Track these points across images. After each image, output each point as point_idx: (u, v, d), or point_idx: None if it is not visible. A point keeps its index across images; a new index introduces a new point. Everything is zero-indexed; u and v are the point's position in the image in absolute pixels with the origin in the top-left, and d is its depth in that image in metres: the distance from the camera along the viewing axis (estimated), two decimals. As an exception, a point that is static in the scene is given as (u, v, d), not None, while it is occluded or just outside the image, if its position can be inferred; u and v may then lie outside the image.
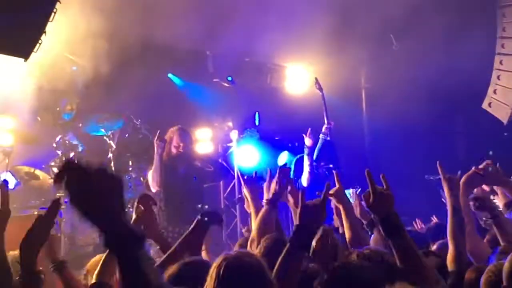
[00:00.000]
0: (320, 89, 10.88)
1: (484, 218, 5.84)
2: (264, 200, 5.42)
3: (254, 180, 6.06)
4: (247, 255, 3.54)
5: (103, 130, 11.60)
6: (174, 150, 9.50)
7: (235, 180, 12.54)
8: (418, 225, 8.72)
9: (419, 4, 11.28)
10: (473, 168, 5.34)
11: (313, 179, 10.03)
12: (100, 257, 4.89)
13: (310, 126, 10.21)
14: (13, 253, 4.09)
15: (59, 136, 11.19)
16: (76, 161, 2.16)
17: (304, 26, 11.52)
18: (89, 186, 2.10)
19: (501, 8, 11.70)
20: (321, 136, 10.39)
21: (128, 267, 2.10)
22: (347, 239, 5.22)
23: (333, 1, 11.28)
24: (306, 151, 10.14)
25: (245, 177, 6.05)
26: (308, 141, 10.15)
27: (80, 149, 11.32)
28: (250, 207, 5.84)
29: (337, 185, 5.44)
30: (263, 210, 5.33)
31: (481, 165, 5.41)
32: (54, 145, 11.21)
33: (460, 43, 11.47)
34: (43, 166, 11.24)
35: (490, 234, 5.52)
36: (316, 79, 11.04)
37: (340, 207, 5.43)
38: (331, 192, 5.18)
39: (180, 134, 9.62)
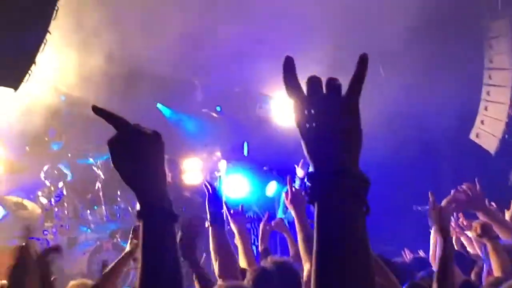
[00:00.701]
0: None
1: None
2: (207, 224, 5.10)
3: (241, 213, 6.02)
4: (238, 286, 3.52)
5: (91, 159, 11.59)
6: (163, 180, 9.49)
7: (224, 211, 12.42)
8: (407, 255, 8.64)
9: (407, 34, 11.34)
10: (453, 191, 5.35)
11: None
12: (81, 282, 4.83)
13: (299, 157, 10.13)
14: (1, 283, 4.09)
15: (47, 166, 11.16)
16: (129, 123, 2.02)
17: (293, 57, 11.54)
18: (141, 149, 1.95)
19: (488, 39, 11.80)
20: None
21: (153, 243, 1.89)
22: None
23: (321, 33, 11.34)
24: (297, 182, 9.94)
25: (231, 211, 5.98)
26: (300, 172, 10.02)
27: (68, 178, 11.30)
28: (237, 241, 5.80)
29: None
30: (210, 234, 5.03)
31: (463, 186, 5.42)
32: (43, 174, 11.17)
33: (448, 74, 11.52)
34: (31, 196, 11.19)
35: (478, 266, 5.51)
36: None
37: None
38: None
39: (169, 164, 9.62)
